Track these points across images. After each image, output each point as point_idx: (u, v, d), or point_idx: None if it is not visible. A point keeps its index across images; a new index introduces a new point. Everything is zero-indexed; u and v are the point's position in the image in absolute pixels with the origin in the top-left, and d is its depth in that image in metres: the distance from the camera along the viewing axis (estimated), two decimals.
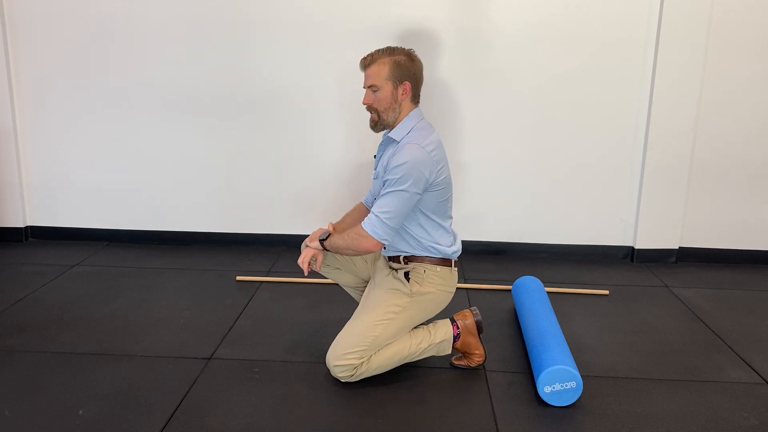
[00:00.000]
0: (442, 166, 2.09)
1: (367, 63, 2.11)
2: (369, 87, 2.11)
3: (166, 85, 3.45)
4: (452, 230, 2.25)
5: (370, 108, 2.15)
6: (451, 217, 2.25)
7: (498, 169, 3.47)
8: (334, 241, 2.13)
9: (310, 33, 3.33)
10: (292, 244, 3.61)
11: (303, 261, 2.18)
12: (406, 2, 3.25)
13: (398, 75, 2.08)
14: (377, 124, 2.16)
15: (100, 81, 3.47)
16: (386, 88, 2.08)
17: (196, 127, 3.50)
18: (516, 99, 3.37)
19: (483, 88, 3.36)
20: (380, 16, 3.27)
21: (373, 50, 2.13)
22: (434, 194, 2.09)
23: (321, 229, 2.24)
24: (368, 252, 2.10)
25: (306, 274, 2.20)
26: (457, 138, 3.41)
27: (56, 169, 3.62)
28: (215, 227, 3.66)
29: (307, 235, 2.46)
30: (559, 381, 2.00)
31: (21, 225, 3.67)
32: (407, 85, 2.10)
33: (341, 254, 2.22)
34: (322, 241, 2.18)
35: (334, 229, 2.28)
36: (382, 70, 2.07)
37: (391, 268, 2.23)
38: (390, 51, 2.10)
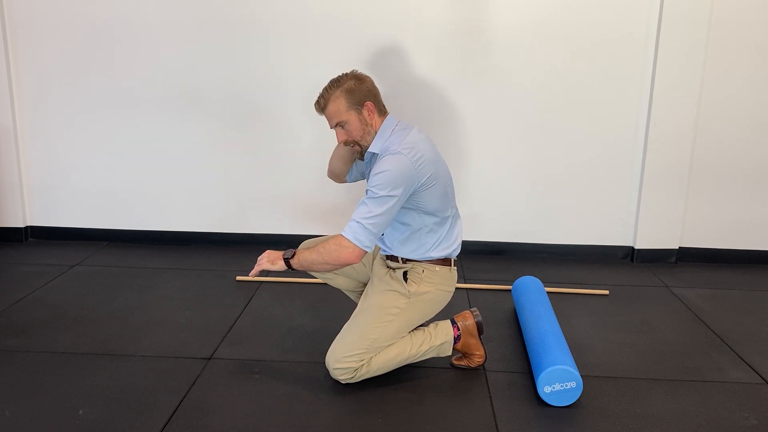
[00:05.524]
0: (423, 164, 2.02)
1: (322, 106, 2.09)
2: (337, 125, 2.09)
3: (166, 85, 3.45)
4: (458, 223, 2.22)
5: (347, 142, 2.14)
6: (455, 207, 2.22)
7: (498, 169, 3.46)
8: (305, 257, 2.03)
9: (309, 34, 3.33)
10: (292, 244, 3.57)
11: (253, 274, 2.08)
12: (405, 2, 3.26)
13: (356, 100, 2.06)
14: (363, 154, 2.17)
15: (100, 81, 3.47)
16: (353, 118, 2.07)
17: (196, 127, 3.50)
18: (516, 99, 3.36)
19: (482, 88, 3.35)
20: (379, 16, 3.27)
21: (321, 91, 2.10)
22: (429, 192, 2.05)
23: (276, 252, 2.11)
24: (347, 265, 2.01)
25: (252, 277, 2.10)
26: (456, 138, 3.41)
27: (56, 169, 3.62)
28: (215, 227, 3.66)
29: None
30: (559, 381, 2.00)
31: (21, 225, 3.67)
32: (369, 104, 2.08)
33: (312, 271, 2.16)
34: (287, 259, 2.06)
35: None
36: (340, 104, 2.06)
37: (388, 267, 2.21)
38: (337, 83, 2.08)
